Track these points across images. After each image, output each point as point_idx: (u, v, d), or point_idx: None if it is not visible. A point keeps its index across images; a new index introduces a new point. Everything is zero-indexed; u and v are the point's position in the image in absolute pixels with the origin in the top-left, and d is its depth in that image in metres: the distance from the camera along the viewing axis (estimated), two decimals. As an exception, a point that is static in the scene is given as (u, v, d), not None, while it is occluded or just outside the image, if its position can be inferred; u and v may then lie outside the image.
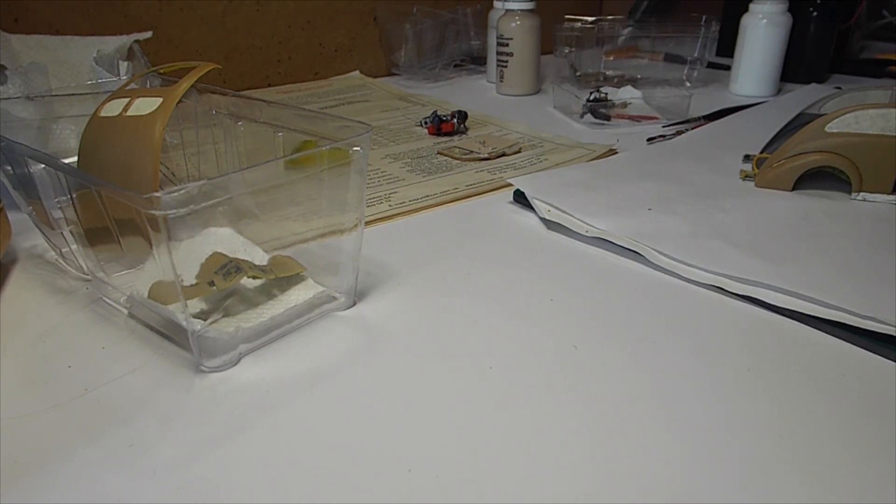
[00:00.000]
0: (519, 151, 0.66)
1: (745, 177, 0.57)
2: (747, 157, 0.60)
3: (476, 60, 1.07)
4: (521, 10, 0.90)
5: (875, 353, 0.34)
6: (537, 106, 0.87)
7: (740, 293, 0.39)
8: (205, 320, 0.35)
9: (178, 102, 0.35)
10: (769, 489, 0.26)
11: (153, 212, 0.28)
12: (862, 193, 0.52)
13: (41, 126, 0.48)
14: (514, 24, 0.90)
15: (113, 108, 0.36)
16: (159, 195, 0.27)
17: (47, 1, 0.76)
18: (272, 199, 0.40)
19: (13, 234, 0.44)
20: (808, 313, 0.36)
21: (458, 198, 0.55)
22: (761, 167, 0.56)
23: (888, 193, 0.51)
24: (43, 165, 0.35)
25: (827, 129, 0.52)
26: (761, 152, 0.61)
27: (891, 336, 0.34)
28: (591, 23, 0.96)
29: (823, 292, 0.37)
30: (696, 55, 0.95)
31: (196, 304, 0.37)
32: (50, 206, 0.38)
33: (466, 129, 0.74)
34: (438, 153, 0.66)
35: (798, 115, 0.65)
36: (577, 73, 0.98)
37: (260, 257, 0.41)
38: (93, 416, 0.30)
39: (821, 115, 0.54)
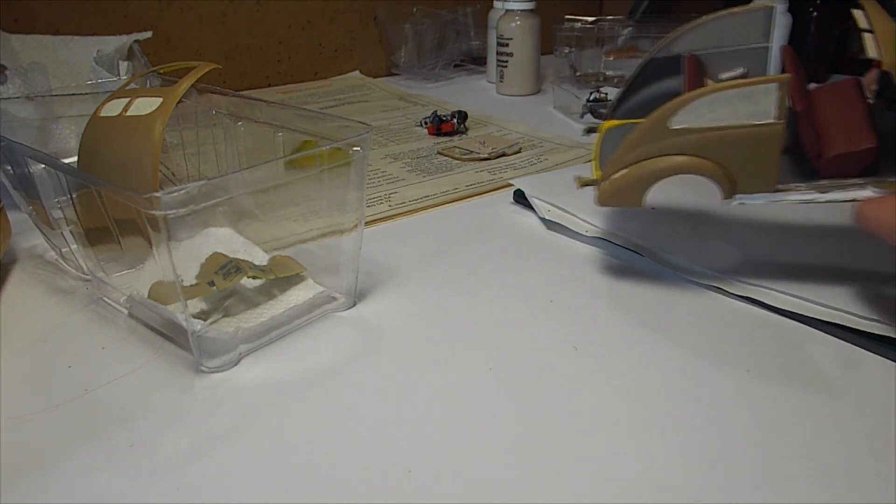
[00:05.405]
0: (519, 151, 0.66)
1: (583, 185, 0.39)
2: (590, 131, 0.43)
3: (476, 60, 1.07)
4: (521, 10, 0.90)
5: (875, 353, 0.34)
6: (537, 106, 0.87)
7: (740, 294, 0.39)
8: (205, 320, 0.35)
9: (178, 102, 0.35)
10: (769, 490, 0.26)
11: (153, 212, 0.28)
12: (738, 197, 0.37)
13: (41, 126, 0.48)
14: (514, 24, 0.90)
15: (113, 108, 0.36)
16: (159, 195, 0.27)
17: (47, 1, 0.76)
18: (272, 199, 0.40)
19: (13, 234, 0.44)
20: (809, 315, 0.36)
21: (458, 198, 0.55)
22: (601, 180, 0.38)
23: (770, 192, 0.36)
24: (43, 165, 0.35)
25: (671, 124, 0.35)
26: (608, 117, 0.45)
27: (891, 336, 0.34)
28: (591, 23, 0.96)
29: (823, 294, 0.37)
30: (696, 55, 0.95)
31: (196, 304, 0.37)
32: (50, 206, 0.38)
33: (466, 129, 0.74)
34: (438, 153, 0.66)
35: (648, 62, 0.44)
36: (577, 73, 0.98)
37: (260, 257, 0.41)
38: (93, 416, 0.30)
39: (674, 56, 0.40)
